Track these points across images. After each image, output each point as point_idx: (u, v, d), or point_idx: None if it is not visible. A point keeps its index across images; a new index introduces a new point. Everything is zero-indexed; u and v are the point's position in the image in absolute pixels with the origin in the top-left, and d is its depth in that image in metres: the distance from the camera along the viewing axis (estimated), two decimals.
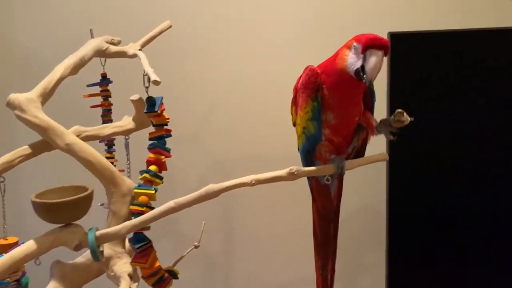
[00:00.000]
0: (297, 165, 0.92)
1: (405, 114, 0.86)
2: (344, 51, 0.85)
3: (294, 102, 0.96)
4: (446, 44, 1.18)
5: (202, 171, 1.56)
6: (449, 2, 1.40)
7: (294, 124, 0.96)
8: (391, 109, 1.20)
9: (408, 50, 1.19)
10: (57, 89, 1.07)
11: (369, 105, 0.94)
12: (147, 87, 0.93)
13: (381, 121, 0.92)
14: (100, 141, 1.17)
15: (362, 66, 0.81)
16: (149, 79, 0.90)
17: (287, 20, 1.46)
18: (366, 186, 1.46)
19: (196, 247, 1.06)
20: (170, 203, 0.82)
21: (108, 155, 1.18)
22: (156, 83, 0.86)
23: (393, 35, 1.18)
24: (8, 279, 0.90)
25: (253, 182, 0.80)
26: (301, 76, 0.92)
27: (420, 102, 1.20)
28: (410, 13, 1.40)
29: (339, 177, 0.99)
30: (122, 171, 1.18)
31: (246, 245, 1.58)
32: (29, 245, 0.79)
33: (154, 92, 1.51)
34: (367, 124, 0.93)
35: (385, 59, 1.19)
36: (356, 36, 0.85)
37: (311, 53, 1.43)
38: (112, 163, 1.18)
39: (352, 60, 0.83)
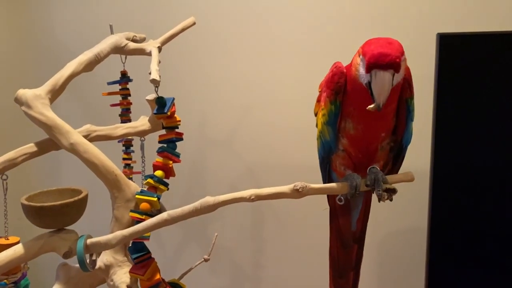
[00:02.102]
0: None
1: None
2: (356, 58, 0.73)
3: (319, 100, 0.85)
4: (498, 46, 1.03)
5: (233, 177, 1.49)
6: (501, 3, 1.23)
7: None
8: (438, 115, 1.07)
9: (458, 52, 1.06)
10: (79, 86, 1.05)
11: (403, 122, 0.80)
12: (156, 87, 0.88)
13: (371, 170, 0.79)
14: (118, 141, 1.13)
15: (369, 83, 0.69)
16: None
17: (331, 19, 1.35)
18: (406, 206, 1.31)
19: (206, 260, 1.00)
20: (164, 215, 0.75)
21: (125, 156, 1.13)
22: (154, 82, 0.80)
23: (442, 36, 1.06)
24: (5, 280, 0.87)
25: (253, 197, 0.71)
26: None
27: (469, 109, 1.06)
28: (461, 13, 1.26)
29: (366, 197, 0.86)
30: (139, 173, 1.14)
31: (277, 260, 1.50)
32: (15, 250, 0.75)
33: (187, 94, 1.48)
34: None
35: (432, 60, 1.08)
36: (364, 44, 0.72)
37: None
38: (129, 164, 1.14)
39: (361, 72, 0.71)
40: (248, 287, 1.54)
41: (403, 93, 0.77)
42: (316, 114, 0.86)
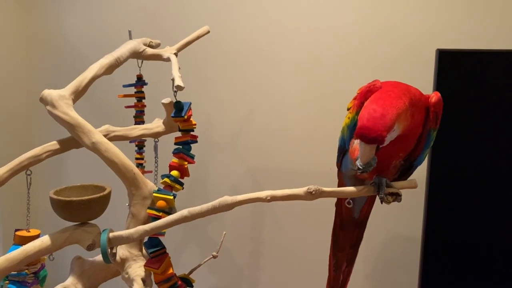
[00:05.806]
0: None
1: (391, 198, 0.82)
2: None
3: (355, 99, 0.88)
4: (496, 63, 1.10)
5: (235, 180, 1.54)
6: (500, 22, 1.30)
7: None
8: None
9: (456, 68, 1.12)
10: (95, 88, 1.10)
11: (420, 148, 0.84)
12: (175, 92, 0.93)
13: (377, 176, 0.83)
14: (130, 142, 1.18)
15: None
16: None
17: (334, 30, 1.41)
18: (401, 214, 1.37)
19: (214, 257, 1.04)
20: (184, 212, 0.80)
21: (138, 156, 1.18)
22: (179, 88, 0.85)
23: (442, 52, 1.12)
24: (26, 270, 0.91)
25: (269, 198, 0.76)
26: None
27: (466, 123, 1.11)
28: (460, 31, 1.32)
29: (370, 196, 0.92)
30: (150, 172, 1.19)
31: (274, 261, 1.54)
32: (43, 241, 0.80)
33: (192, 97, 1.53)
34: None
35: (431, 75, 1.14)
36: (366, 103, 0.75)
37: (358, 68, 1.40)
38: (141, 164, 1.18)
39: None
40: (246, 287, 1.59)
41: (428, 123, 0.82)
42: (348, 109, 0.90)
